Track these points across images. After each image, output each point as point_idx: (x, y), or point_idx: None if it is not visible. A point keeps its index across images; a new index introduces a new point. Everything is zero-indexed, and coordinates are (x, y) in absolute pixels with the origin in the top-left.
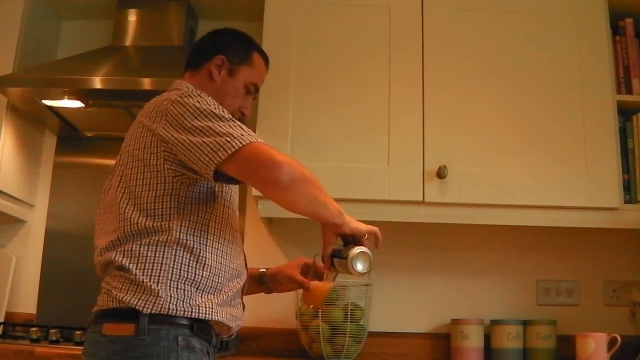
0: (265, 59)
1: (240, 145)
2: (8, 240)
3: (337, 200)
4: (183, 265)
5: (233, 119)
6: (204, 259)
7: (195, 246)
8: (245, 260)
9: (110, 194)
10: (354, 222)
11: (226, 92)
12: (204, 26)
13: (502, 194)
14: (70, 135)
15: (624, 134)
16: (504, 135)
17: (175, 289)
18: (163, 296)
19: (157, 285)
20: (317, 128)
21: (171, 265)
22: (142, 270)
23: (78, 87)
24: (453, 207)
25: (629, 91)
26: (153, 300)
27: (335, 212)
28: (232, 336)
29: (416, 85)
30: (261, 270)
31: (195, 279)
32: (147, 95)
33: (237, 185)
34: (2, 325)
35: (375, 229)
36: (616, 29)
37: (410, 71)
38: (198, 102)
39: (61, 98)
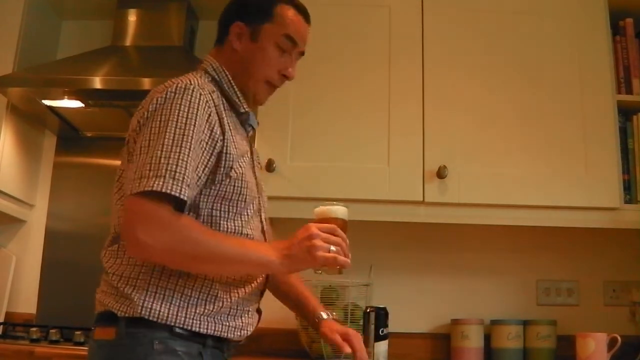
0: (298, 8)
1: (140, 190)
2: (8, 240)
3: (337, 200)
4: (165, 269)
5: (186, 144)
6: None
7: None
8: None
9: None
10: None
11: (254, 60)
12: (204, 26)
13: (502, 194)
14: (70, 135)
15: (624, 134)
16: (504, 135)
17: (152, 293)
18: (135, 300)
19: (133, 290)
20: (317, 128)
21: (151, 268)
22: (120, 273)
23: (78, 87)
24: (453, 207)
25: (629, 91)
26: (127, 304)
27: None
28: (241, 342)
29: (416, 85)
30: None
31: (179, 282)
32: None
33: (254, 189)
34: (2, 325)
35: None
36: (616, 29)
37: (410, 71)
38: (170, 112)
39: (61, 98)
